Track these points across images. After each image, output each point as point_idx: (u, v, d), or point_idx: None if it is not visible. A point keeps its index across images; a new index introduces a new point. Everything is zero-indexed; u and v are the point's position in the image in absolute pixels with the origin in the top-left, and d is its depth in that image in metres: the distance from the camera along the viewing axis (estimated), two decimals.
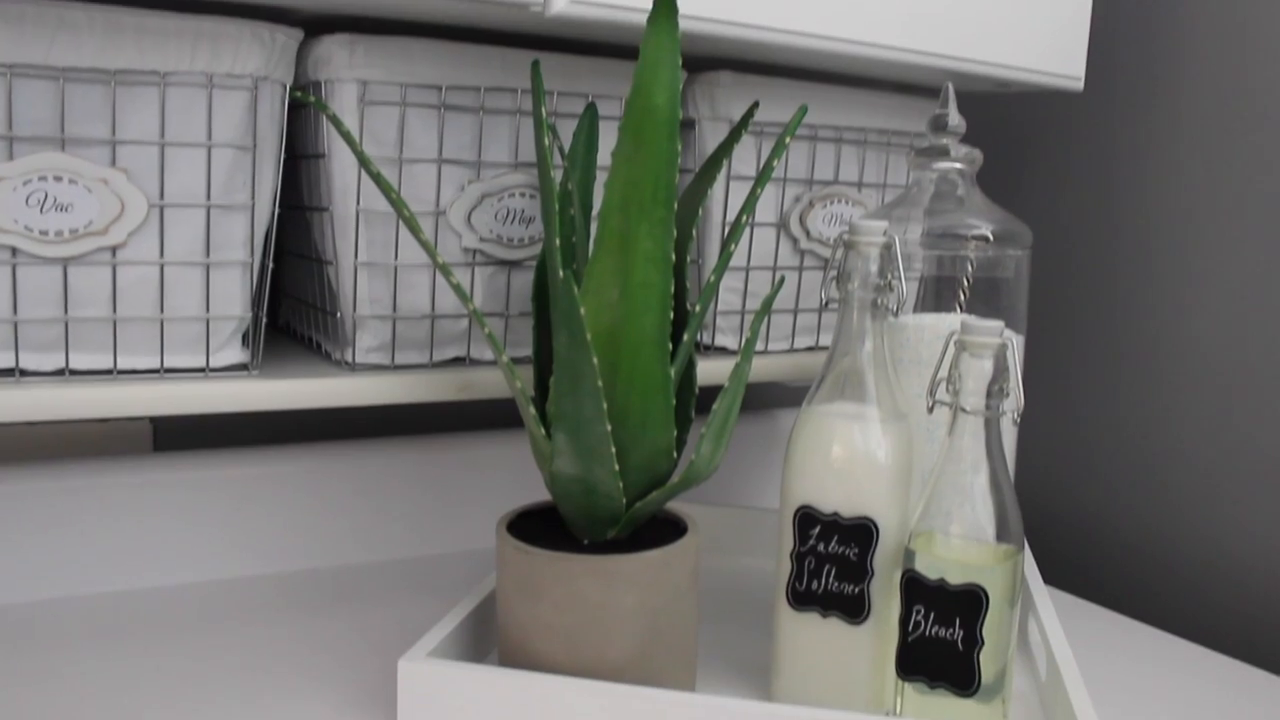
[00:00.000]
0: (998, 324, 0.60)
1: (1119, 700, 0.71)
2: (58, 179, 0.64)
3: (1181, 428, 0.97)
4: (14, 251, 0.64)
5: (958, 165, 0.76)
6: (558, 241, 0.64)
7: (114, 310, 0.67)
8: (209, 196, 0.68)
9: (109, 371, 0.69)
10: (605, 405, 0.60)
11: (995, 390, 0.60)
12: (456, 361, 0.80)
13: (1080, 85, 0.90)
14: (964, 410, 0.61)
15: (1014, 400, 0.61)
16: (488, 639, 0.73)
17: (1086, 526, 1.06)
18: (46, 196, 0.64)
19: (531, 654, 0.65)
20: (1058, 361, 1.08)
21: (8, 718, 0.64)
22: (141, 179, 0.66)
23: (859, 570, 0.64)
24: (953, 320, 0.73)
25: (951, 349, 0.61)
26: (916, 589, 0.61)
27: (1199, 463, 0.96)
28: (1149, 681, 0.75)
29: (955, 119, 0.75)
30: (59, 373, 0.68)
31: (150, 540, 0.85)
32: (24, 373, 0.67)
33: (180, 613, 0.81)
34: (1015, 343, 0.61)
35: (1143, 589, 1.00)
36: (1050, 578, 1.02)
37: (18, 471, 0.82)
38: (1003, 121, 1.12)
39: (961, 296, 0.76)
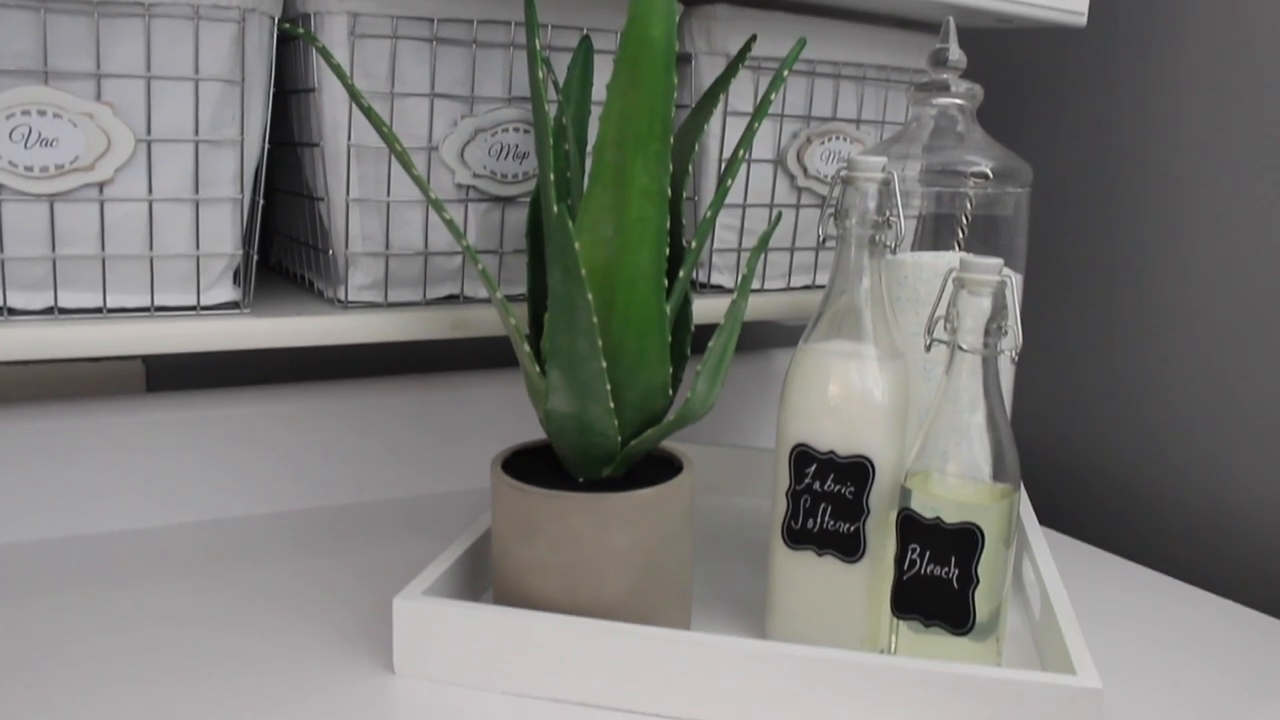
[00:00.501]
0: (997, 261, 0.59)
1: (1112, 639, 0.71)
2: (41, 113, 0.62)
3: (1178, 369, 0.97)
4: None
5: (958, 101, 0.75)
6: (552, 177, 0.63)
7: (102, 248, 0.67)
8: (197, 132, 0.67)
9: (99, 310, 0.68)
10: (600, 342, 0.59)
11: (993, 328, 0.60)
12: (450, 299, 0.79)
13: (1083, 21, 0.89)
14: (961, 348, 0.60)
15: (1012, 339, 0.60)
16: (483, 577, 0.73)
17: (1082, 467, 1.06)
18: (30, 131, 0.63)
19: (526, 592, 0.64)
20: (1056, 301, 1.07)
21: (4, 657, 0.64)
22: (127, 113, 0.65)
23: (855, 509, 0.64)
24: (951, 258, 0.73)
25: (950, 286, 0.61)
26: (912, 527, 0.61)
27: (1195, 404, 0.95)
28: (1142, 621, 0.75)
29: (956, 54, 0.74)
30: (48, 311, 0.67)
31: (144, 480, 0.85)
32: (12, 312, 0.66)
33: (174, 552, 0.80)
34: (1014, 281, 0.61)
35: (1137, 530, 1.00)
36: (1045, 518, 1.02)
37: (10, 412, 0.82)
38: (1004, 58, 1.10)
39: (960, 234, 0.76)
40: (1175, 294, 0.97)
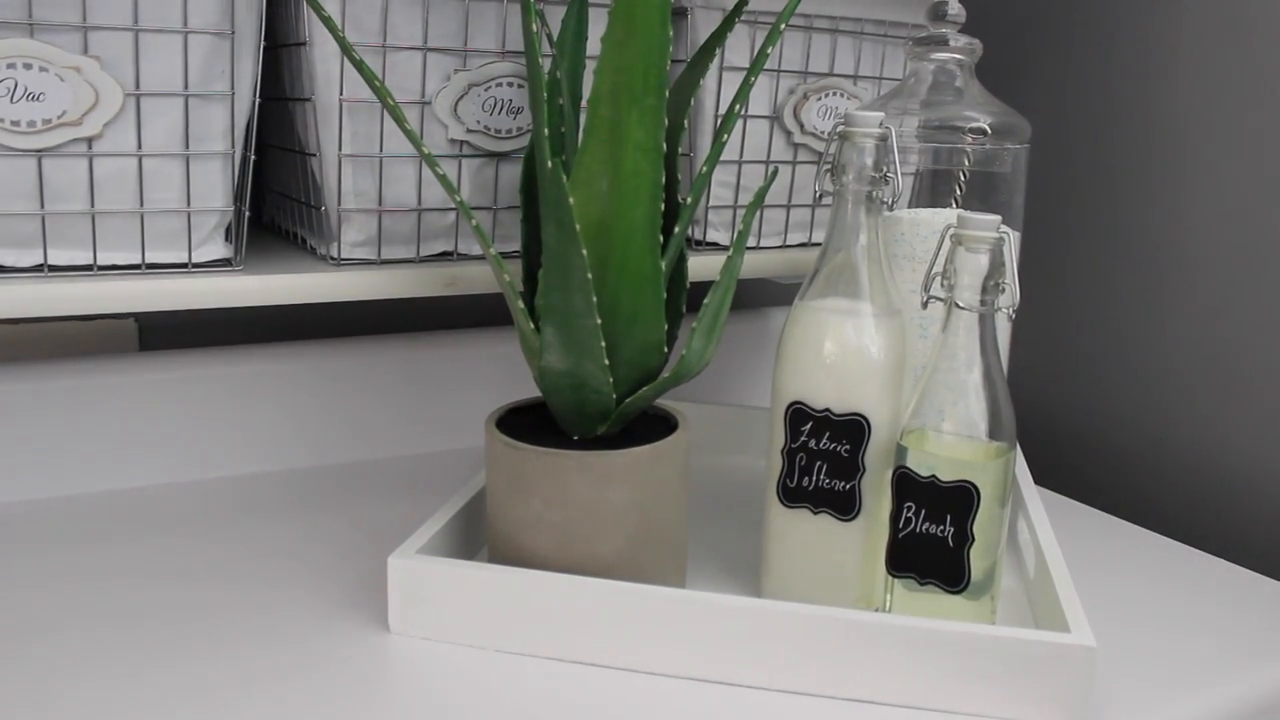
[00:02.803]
0: (995, 218, 0.59)
1: (1106, 599, 0.72)
2: (27, 66, 0.62)
3: (1177, 328, 0.96)
4: None
5: (957, 56, 0.74)
6: (546, 132, 0.62)
7: (92, 204, 0.66)
8: (186, 86, 0.66)
9: (89, 268, 0.68)
10: (595, 298, 0.59)
11: (990, 286, 0.59)
12: (444, 256, 0.79)
13: None
14: (958, 306, 0.60)
15: (1009, 296, 0.60)
16: (477, 536, 0.73)
17: (1078, 426, 1.05)
18: (16, 85, 0.62)
19: (521, 550, 0.64)
20: (1053, 259, 1.07)
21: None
22: (115, 67, 0.64)
23: (850, 467, 0.63)
24: (948, 215, 0.72)
25: (947, 243, 0.60)
26: (908, 485, 0.61)
27: (1193, 363, 0.95)
28: (1137, 581, 0.75)
29: (955, 8, 0.74)
30: (37, 269, 0.67)
31: (136, 440, 0.85)
32: (1, 269, 0.66)
33: (168, 511, 0.80)
34: (1012, 238, 0.60)
35: (1132, 489, 1.00)
36: (1040, 477, 1.02)
37: (1, 372, 0.81)
38: (1004, 12, 1.09)
39: (957, 191, 0.75)
40: (1174, 252, 0.96)
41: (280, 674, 0.59)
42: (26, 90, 0.62)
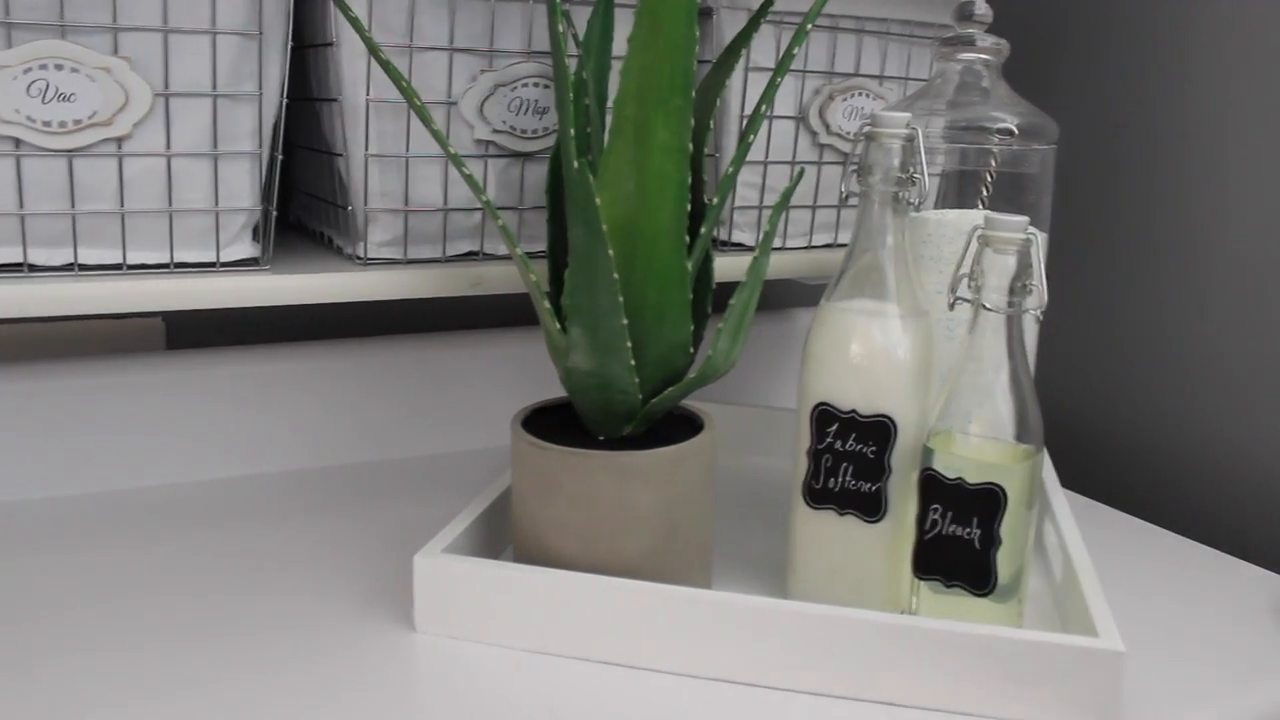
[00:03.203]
0: (1022, 219, 0.58)
1: (1135, 603, 0.71)
2: (59, 67, 0.62)
3: (1208, 330, 0.96)
4: (17, 143, 0.63)
5: (984, 56, 0.74)
6: (572, 132, 0.62)
7: (121, 204, 0.66)
8: (215, 86, 0.67)
9: (118, 266, 0.68)
10: (621, 299, 0.59)
11: (1018, 287, 0.59)
12: (469, 256, 0.79)
13: None
14: (985, 307, 0.60)
15: (1037, 298, 0.60)
16: (503, 536, 0.73)
17: (1106, 430, 1.05)
18: (48, 86, 0.62)
19: (546, 550, 0.64)
20: (1082, 260, 1.06)
21: (26, 612, 0.65)
22: (145, 68, 0.65)
23: (876, 468, 0.63)
24: (975, 216, 0.72)
25: (974, 244, 0.60)
26: (934, 487, 0.61)
27: (1223, 365, 0.94)
28: (1165, 585, 0.75)
29: (982, 7, 0.73)
30: (68, 268, 0.67)
31: (163, 438, 0.85)
32: (32, 268, 0.66)
33: (194, 510, 0.81)
34: (1039, 239, 0.60)
35: (1162, 493, 0.99)
36: (1067, 480, 1.02)
37: (31, 369, 0.82)
38: (1031, 12, 1.09)
39: (984, 192, 0.75)
40: (1203, 253, 0.96)
41: (305, 671, 0.59)
42: (58, 91, 0.62)
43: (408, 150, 0.74)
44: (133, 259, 0.68)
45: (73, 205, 0.65)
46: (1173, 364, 0.98)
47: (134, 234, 0.68)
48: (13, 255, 0.66)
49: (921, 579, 0.63)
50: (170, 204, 0.68)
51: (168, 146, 0.66)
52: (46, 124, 0.63)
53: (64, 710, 0.55)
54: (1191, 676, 0.63)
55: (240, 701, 0.57)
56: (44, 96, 0.62)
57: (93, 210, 0.66)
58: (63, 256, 0.67)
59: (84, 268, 0.67)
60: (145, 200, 0.67)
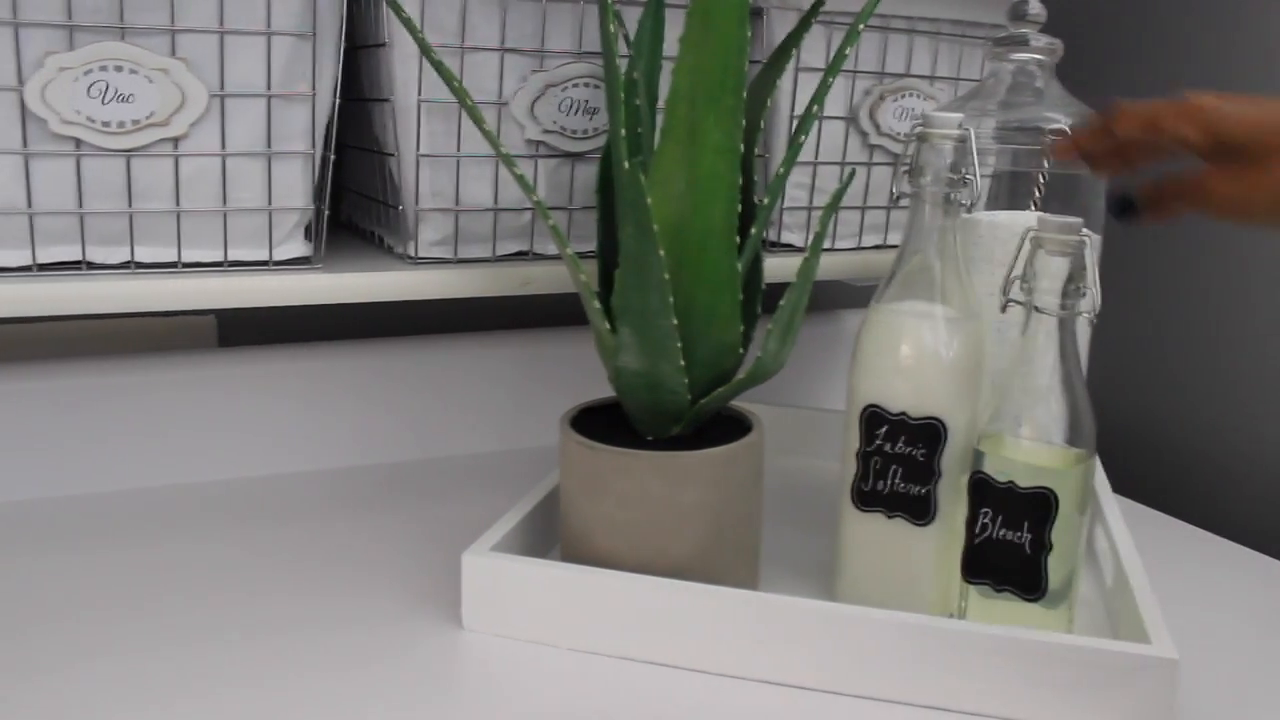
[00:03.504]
0: (1077, 221, 0.58)
1: (1187, 610, 0.70)
2: (118, 68, 0.63)
3: (1263, 334, 0.94)
4: (78, 143, 0.64)
5: (1037, 56, 0.73)
6: (623, 132, 0.62)
7: (177, 203, 0.67)
8: (269, 86, 0.67)
9: (173, 265, 0.69)
10: (671, 299, 0.59)
11: (1071, 290, 0.58)
12: (519, 255, 0.79)
13: None
14: (1038, 310, 0.59)
15: (1090, 300, 0.59)
16: (551, 535, 0.73)
17: (1159, 434, 1.04)
18: (108, 87, 0.63)
19: (594, 550, 0.65)
20: (1136, 263, 1.05)
21: (76, 606, 0.66)
22: (201, 69, 0.65)
23: (926, 471, 0.63)
24: (1028, 217, 0.71)
25: (1027, 246, 0.60)
26: (984, 491, 0.60)
27: (1277, 369, 0.93)
28: (1218, 593, 0.74)
29: (1036, 7, 0.73)
30: (124, 266, 0.68)
31: (215, 435, 0.86)
32: (90, 265, 0.67)
33: (244, 507, 0.82)
34: (1093, 241, 0.59)
35: (1215, 499, 0.98)
36: (1119, 486, 1.00)
37: (86, 365, 0.83)
38: (1085, 10, 1.08)
39: (1037, 193, 0.74)
40: (1260, 255, 0.94)
41: (354, 667, 0.60)
42: (117, 92, 0.63)
43: (459, 150, 0.74)
44: (187, 257, 0.69)
45: (130, 204, 0.66)
46: (1227, 368, 0.97)
47: (189, 233, 0.68)
48: (72, 253, 0.67)
49: (970, 583, 0.62)
50: (224, 203, 0.68)
51: (223, 146, 0.67)
52: (105, 124, 0.64)
53: (108, 705, 0.56)
54: (1246, 686, 0.62)
55: (288, 699, 0.57)
56: (104, 97, 0.63)
57: (149, 209, 0.67)
58: (120, 255, 0.68)
59: (140, 266, 0.68)
60: (200, 199, 0.68)
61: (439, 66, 0.63)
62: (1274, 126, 0.52)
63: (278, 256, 0.71)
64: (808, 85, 0.83)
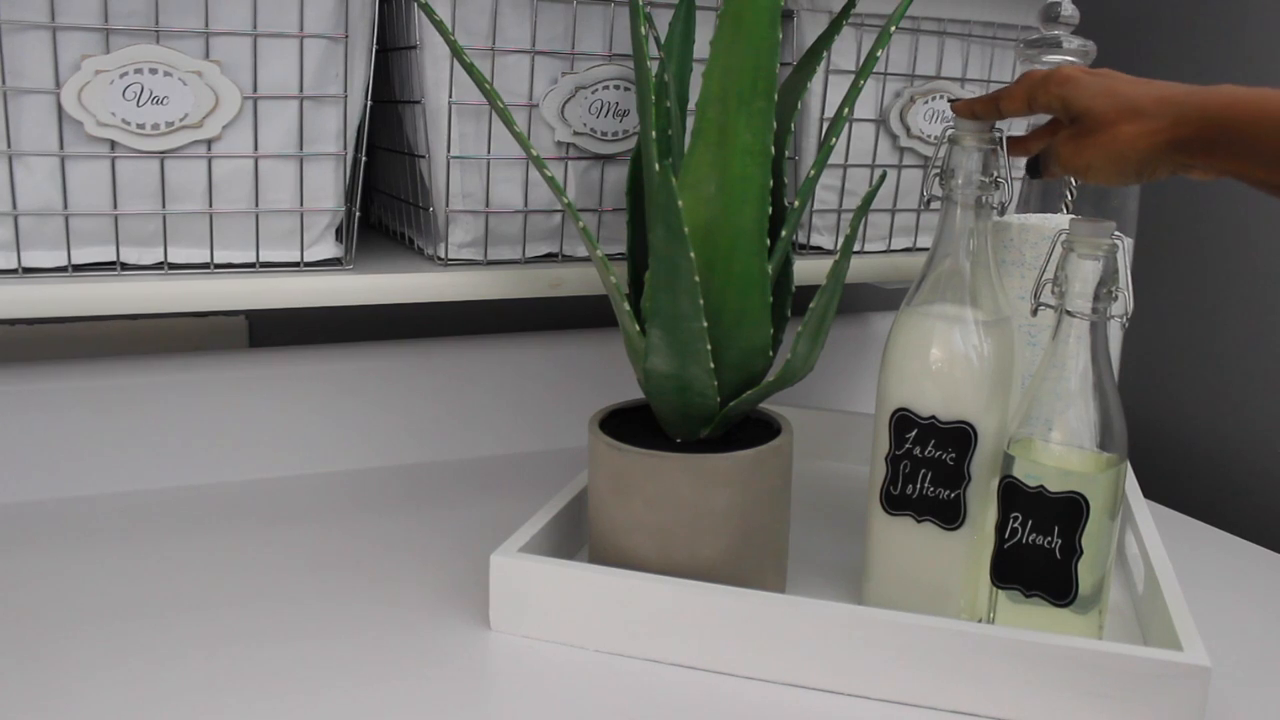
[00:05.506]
0: (1109, 224, 0.58)
1: (1219, 617, 0.69)
2: (153, 71, 0.64)
3: None
4: (113, 145, 0.65)
5: (1070, 58, 0.73)
6: (654, 134, 0.62)
7: (210, 204, 0.68)
8: (301, 89, 0.68)
9: (206, 266, 0.69)
10: (701, 301, 0.59)
11: (1103, 293, 0.58)
12: (549, 257, 0.79)
13: None
14: (1069, 313, 0.59)
15: (1122, 304, 0.59)
16: (578, 536, 0.73)
17: (1191, 440, 1.03)
18: (143, 89, 0.64)
19: (622, 551, 0.65)
20: (1168, 267, 1.04)
21: (108, 602, 0.66)
22: (235, 71, 0.66)
23: (956, 475, 0.63)
24: (1059, 220, 0.71)
25: (1058, 249, 0.59)
26: (1015, 495, 0.60)
27: None
28: (1251, 599, 0.73)
29: (1069, 9, 0.72)
30: (158, 266, 0.69)
31: (245, 434, 0.87)
32: (124, 266, 0.68)
33: (273, 506, 0.82)
34: (1125, 245, 0.59)
35: (1249, 506, 0.97)
36: (1151, 491, 1.00)
37: (117, 365, 0.84)
38: (1118, 12, 1.07)
39: (1068, 196, 0.74)
40: None
41: (381, 667, 0.60)
42: (151, 94, 0.64)
43: (489, 152, 0.74)
44: (220, 258, 0.70)
45: (164, 205, 0.67)
46: (1261, 372, 0.96)
47: (221, 234, 0.69)
48: (106, 254, 0.67)
49: (1000, 588, 0.62)
50: (257, 204, 0.69)
51: (255, 148, 0.68)
52: (140, 126, 0.64)
53: (133, 711, 0.57)
54: (1278, 694, 0.61)
55: (317, 699, 0.57)
56: (139, 100, 0.64)
57: (183, 210, 0.67)
58: (153, 255, 0.68)
59: (173, 267, 0.69)
60: (232, 201, 0.68)
61: (470, 68, 0.64)
62: (1112, 100, 0.58)
63: (309, 258, 0.72)
64: (838, 87, 0.82)
